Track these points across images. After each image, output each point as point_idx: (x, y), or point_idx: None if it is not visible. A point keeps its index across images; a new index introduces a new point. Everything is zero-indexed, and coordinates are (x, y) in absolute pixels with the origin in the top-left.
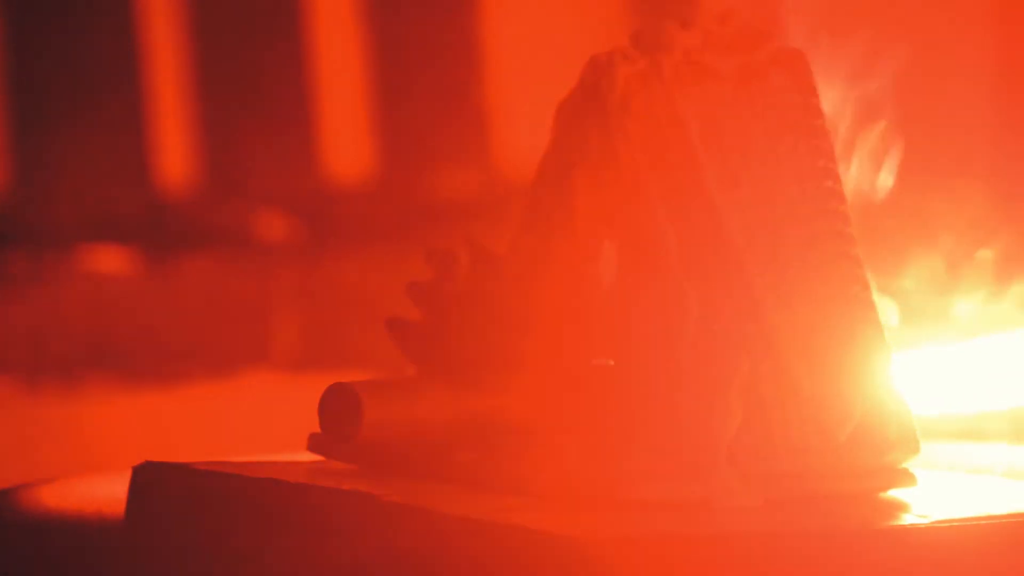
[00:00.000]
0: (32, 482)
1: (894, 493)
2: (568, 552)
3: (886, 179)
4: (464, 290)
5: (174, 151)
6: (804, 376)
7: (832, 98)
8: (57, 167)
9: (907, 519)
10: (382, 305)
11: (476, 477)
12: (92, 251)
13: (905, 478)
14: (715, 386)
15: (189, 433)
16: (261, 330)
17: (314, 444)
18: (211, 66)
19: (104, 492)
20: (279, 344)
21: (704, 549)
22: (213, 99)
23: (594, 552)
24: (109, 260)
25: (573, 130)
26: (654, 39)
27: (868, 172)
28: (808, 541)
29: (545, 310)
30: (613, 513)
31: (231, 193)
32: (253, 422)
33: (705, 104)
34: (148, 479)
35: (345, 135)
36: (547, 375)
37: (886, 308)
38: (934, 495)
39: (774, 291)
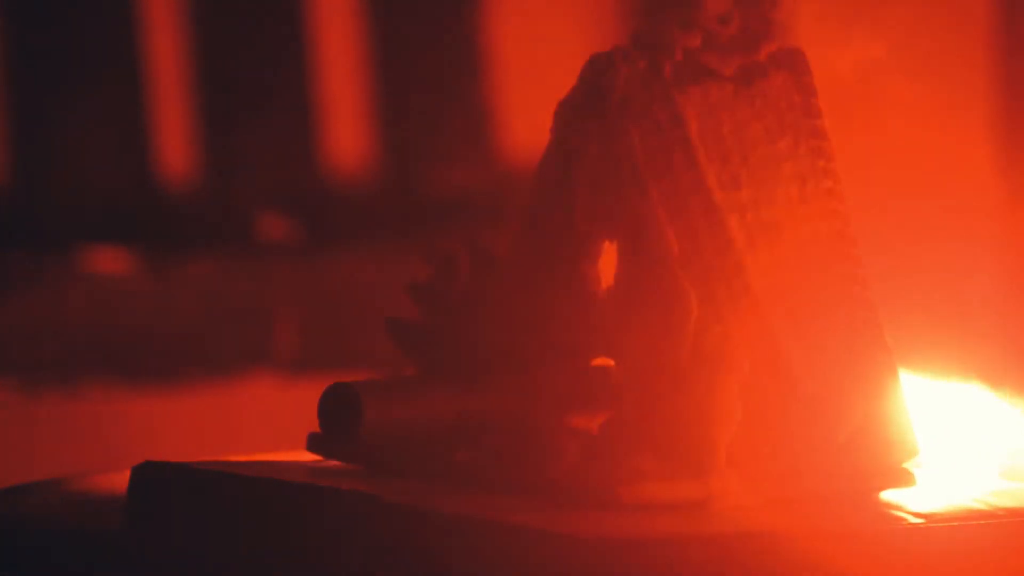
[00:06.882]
0: (32, 482)
1: (894, 493)
2: (568, 552)
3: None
4: (464, 290)
5: (174, 151)
6: (804, 376)
7: None
8: (57, 167)
9: (907, 519)
10: (382, 305)
11: (476, 477)
12: (92, 251)
13: (905, 478)
14: (715, 386)
15: (189, 433)
16: (261, 330)
17: (314, 444)
18: (211, 66)
19: (104, 492)
20: (279, 344)
21: (704, 549)
22: (213, 99)
23: (594, 552)
24: (109, 260)
25: (573, 130)
26: (654, 39)
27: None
28: (808, 541)
29: (545, 310)
30: (613, 513)
31: (231, 193)
32: (253, 422)
33: (705, 104)
34: (148, 479)
35: (345, 135)
36: (547, 375)
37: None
38: (934, 495)
39: (774, 291)
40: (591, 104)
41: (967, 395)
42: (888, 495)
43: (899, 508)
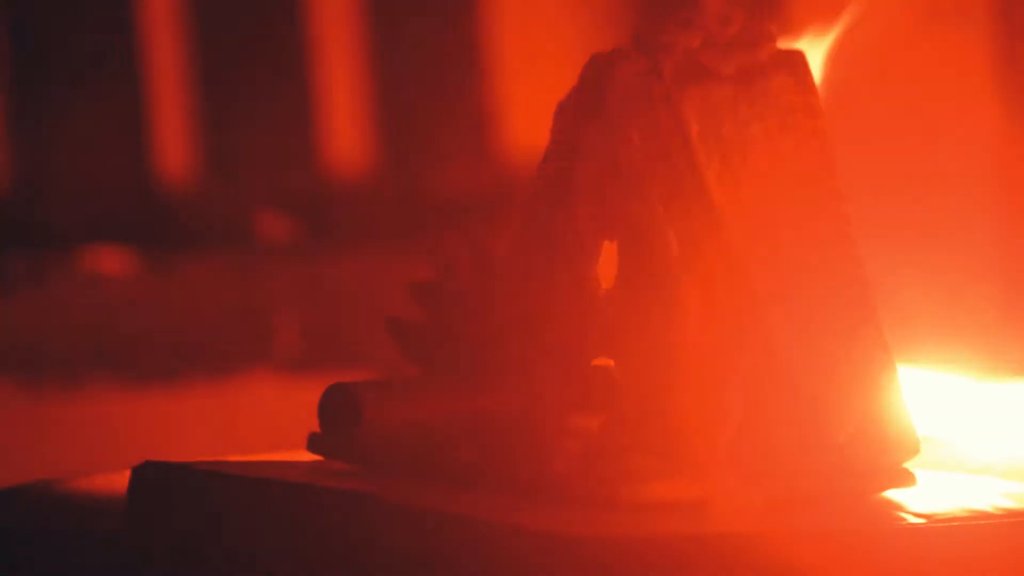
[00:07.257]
0: (32, 482)
1: (894, 493)
2: (568, 552)
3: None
4: (464, 290)
5: (174, 151)
6: (804, 376)
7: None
8: (57, 167)
9: (907, 519)
10: (382, 305)
11: (476, 477)
12: (92, 251)
13: (905, 478)
14: (715, 386)
15: (189, 433)
16: (261, 330)
17: (314, 444)
18: (211, 66)
19: (104, 492)
20: (279, 344)
21: (704, 549)
22: (213, 99)
23: (594, 552)
24: (109, 260)
25: (573, 130)
26: (654, 39)
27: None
28: (808, 541)
29: (545, 310)
30: (613, 513)
31: (231, 192)
32: (253, 422)
33: (705, 104)
34: (148, 479)
35: (345, 135)
36: (547, 375)
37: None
38: (934, 495)
39: (774, 292)
40: (591, 104)
41: (968, 389)
42: (888, 495)
43: (899, 508)
